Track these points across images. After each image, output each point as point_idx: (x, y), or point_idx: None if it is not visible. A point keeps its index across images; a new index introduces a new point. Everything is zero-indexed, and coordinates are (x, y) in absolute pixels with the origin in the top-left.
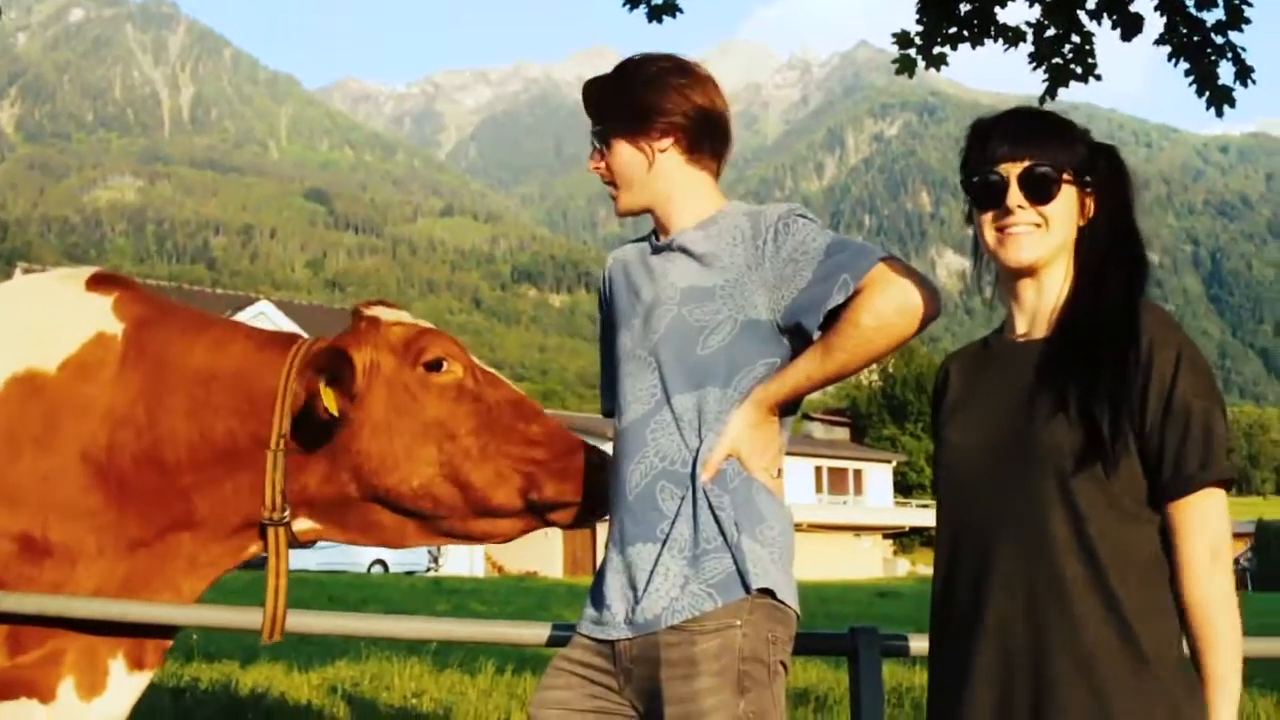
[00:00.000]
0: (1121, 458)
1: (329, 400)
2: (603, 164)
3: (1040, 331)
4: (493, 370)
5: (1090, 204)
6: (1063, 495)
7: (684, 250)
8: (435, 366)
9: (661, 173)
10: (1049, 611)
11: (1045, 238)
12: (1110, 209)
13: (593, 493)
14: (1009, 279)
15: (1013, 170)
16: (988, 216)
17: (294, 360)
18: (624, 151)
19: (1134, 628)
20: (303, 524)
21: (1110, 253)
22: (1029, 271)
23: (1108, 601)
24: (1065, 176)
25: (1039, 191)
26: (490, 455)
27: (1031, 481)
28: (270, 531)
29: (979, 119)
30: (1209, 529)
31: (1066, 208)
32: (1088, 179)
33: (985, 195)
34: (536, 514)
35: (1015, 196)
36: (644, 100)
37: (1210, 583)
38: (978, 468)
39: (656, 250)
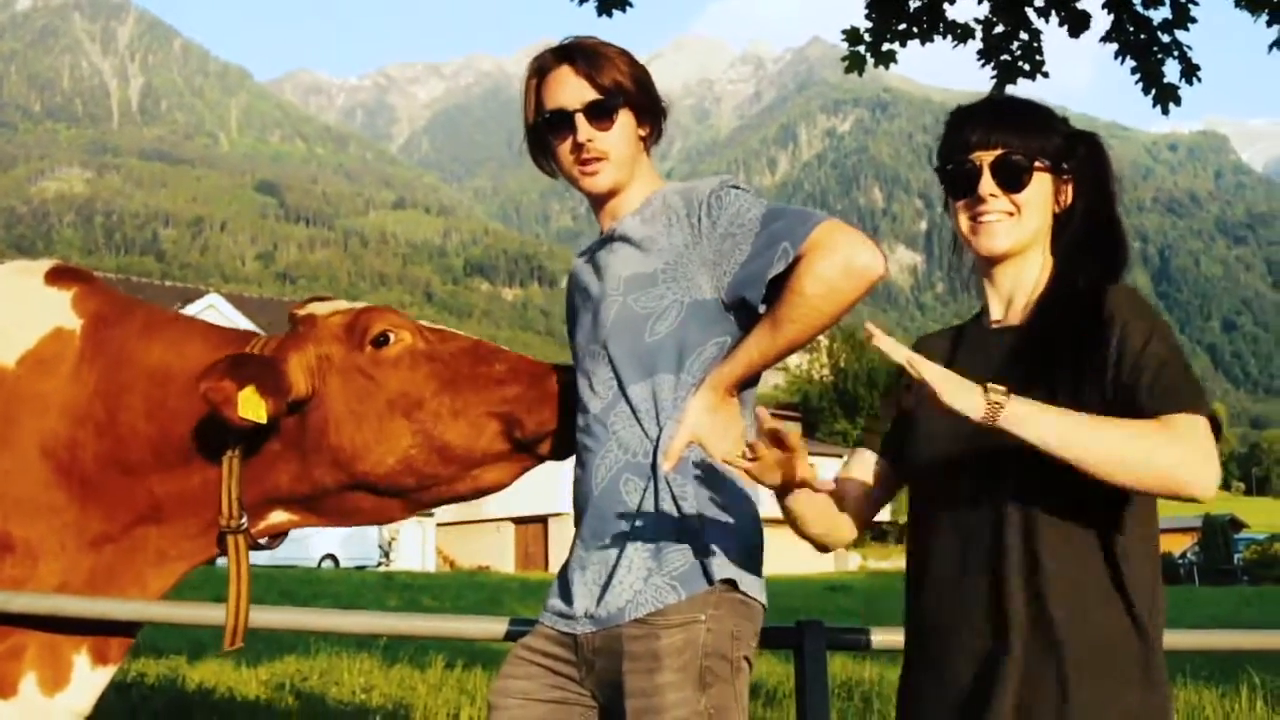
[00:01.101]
0: None
1: (251, 407)
2: (594, 132)
3: (1015, 318)
4: (442, 327)
5: (1067, 192)
6: (1029, 482)
7: (624, 239)
8: (383, 341)
9: (639, 156)
10: (1046, 595)
11: (1018, 225)
12: (1088, 196)
13: (573, 413)
14: (985, 265)
15: (985, 158)
16: (961, 204)
17: None
18: (628, 127)
19: (1053, 609)
20: (279, 516)
21: (1086, 240)
22: (1002, 259)
23: (1079, 597)
24: (1039, 164)
25: (1011, 179)
26: (461, 409)
27: (1000, 467)
28: (229, 539)
29: (958, 106)
30: (1188, 436)
31: (1040, 195)
32: (1064, 166)
33: (958, 183)
34: (525, 450)
35: (988, 184)
36: (650, 85)
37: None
38: (946, 454)
39: (601, 244)
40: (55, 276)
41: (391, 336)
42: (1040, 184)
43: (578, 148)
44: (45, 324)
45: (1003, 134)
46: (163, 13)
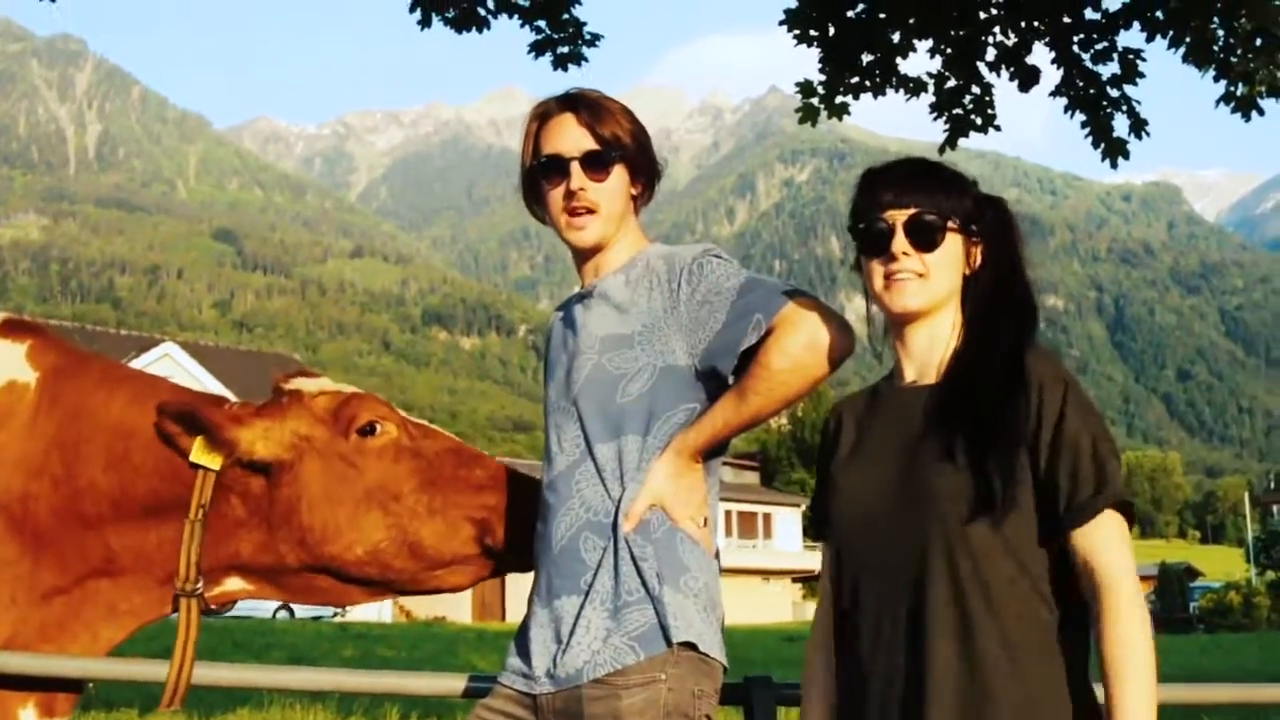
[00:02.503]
0: (1017, 501)
1: (203, 454)
2: (588, 181)
3: (929, 378)
4: (424, 422)
5: (977, 253)
6: (955, 540)
7: (604, 297)
8: (369, 431)
9: (627, 213)
10: (985, 659)
11: (927, 285)
12: (997, 259)
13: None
14: (898, 326)
15: (898, 217)
16: (874, 263)
17: None
18: (621, 182)
19: (1016, 666)
20: (235, 584)
21: (997, 302)
22: (914, 318)
23: (1009, 652)
24: (950, 225)
25: (924, 239)
26: (438, 509)
27: (924, 526)
28: (183, 602)
29: (869, 168)
30: (1114, 551)
31: (951, 256)
32: (974, 228)
33: (871, 241)
34: (493, 558)
35: (900, 243)
36: (647, 143)
37: (1126, 614)
38: (871, 514)
39: (580, 299)
40: (8, 329)
41: (378, 428)
42: (952, 244)
43: (569, 195)
44: None
45: (915, 194)
46: (121, 60)
